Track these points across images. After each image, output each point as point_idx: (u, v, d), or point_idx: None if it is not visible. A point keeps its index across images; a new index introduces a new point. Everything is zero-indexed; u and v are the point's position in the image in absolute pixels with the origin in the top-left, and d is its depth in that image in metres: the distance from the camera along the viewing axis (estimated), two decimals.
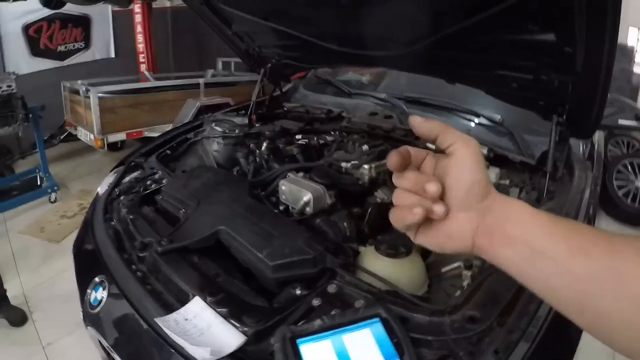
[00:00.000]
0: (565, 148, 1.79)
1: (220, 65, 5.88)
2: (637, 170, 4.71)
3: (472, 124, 2.03)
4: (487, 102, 1.95)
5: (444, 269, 1.33)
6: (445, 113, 2.12)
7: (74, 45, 5.97)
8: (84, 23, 5.95)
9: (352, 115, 2.25)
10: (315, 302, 1.11)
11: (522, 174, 1.74)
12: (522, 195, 1.59)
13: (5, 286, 2.81)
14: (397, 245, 1.26)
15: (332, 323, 0.96)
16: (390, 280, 1.17)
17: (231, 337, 1.03)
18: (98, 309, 1.39)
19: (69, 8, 5.19)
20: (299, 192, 1.54)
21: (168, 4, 6.68)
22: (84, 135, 4.43)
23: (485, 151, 1.81)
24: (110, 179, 1.98)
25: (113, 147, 4.61)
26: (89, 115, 4.18)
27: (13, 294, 2.88)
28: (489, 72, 1.69)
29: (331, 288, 1.15)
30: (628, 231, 4.41)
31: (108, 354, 1.39)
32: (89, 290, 1.46)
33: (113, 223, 1.65)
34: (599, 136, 2.73)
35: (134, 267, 1.41)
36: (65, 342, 2.52)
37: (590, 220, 1.64)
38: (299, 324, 1.04)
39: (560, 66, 1.44)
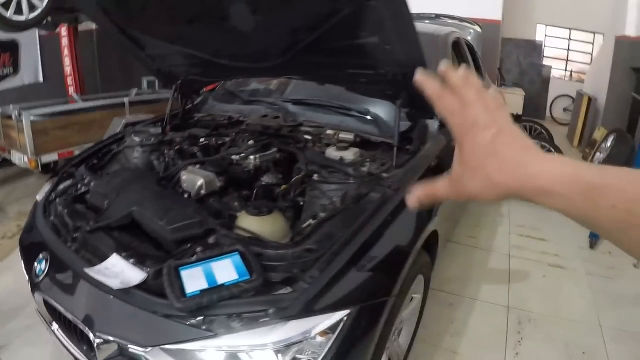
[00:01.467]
0: (417, 127, 2.27)
1: (145, 84, 6.06)
2: None
3: (344, 117, 2.47)
4: (362, 98, 2.41)
5: (302, 225, 1.76)
6: (322, 109, 2.56)
7: (2, 71, 5.96)
8: (11, 48, 5.96)
9: (247, 119, 2.65)
10: (198, 249, 1.53)
11: (382, 151, 2.18)
12: (373, 166, 2.04)
13: None
14: (261, 206, 1.69)
15: (204, 256, 1.40)
16: (255, 232, 1.61)
17: (137, 275, 1.46)
18: (42, 276, 1.77)
19: None
20: (194, 178, 1.95)
21: (94, 26, 6.71)
22: (17, 158, 4.57)
23: (351, 137, 2.25)
24: (46, 187, 2.32)
25: (47, 169, 4.78)
26: (22, 138, 4.36)
27: None
28: (343, 71, 2.16)
29: (211, 239, 1.59)
30: (528, 204, 4.97)
31: (52, 310, 1.77)
32: (35, 265, 1.83)
33: (51, 218, 2.00)
34: None
35: (68, 244, 1.78)
36: (16, 345, 2.76)
37: (431, 177, 2.11)
38: None
39: (388, 61, 1.91)
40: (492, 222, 4.54)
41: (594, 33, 10.73)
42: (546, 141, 5.49)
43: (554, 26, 11.27)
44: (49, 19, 5.00)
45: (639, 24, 6.73)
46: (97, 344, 1.50)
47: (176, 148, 2.38)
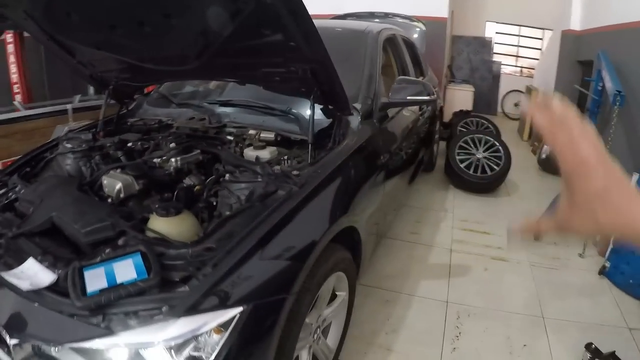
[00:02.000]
0: (337, 123, 2.34)
1: (92, 90, 5.97)
2: (477, 144, 5.39)
3: (268, 117, 2.54)
4: (288, 97, 2.47)
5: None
6: (248, 110, 2.64)
7: None
8: None
9: (176, 122, 2.71)
10: (107, 250, 1.58)
11: (301, 149, 2.25)
12: (288, 164, 2.11)
13: None
14: (169, 207, 1.75)
15: (107, 257, 1.48)
16: (163, 232, 1.68)
17: (48, 277, 1.53)
18: None
19: None
20: (113, 182, 2.00)
21: None
22: None
23: (272, 136, 2.32)
24: None
25: None
26: None
27: None
28: (257, 71, 2.23)
29: (120, 241, 1.64)
30: (476, 199, 5.06)
31: None
32: None
33: None
34: (397, 112, 3.27)
35: None
36: None
37: (346, 173, 2.22)
38: None
39: (296, 58, 1.97)
40: (435, 217, 4.59)
41: (543, 29, 11.02)
42: (493, 136, 5.61)
43: (503, 23, 11.55)
44: None
45: (583, 19, 6.97)
46: (13, 345, 1.55)
47: (102, 153, 2.41)
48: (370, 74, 2.84)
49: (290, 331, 1.74)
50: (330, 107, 2.30)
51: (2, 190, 2.34)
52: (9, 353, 1.63)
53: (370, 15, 6.20)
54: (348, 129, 2.41)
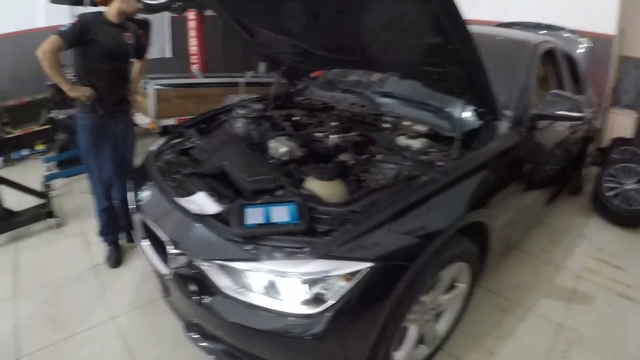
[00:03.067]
0: (486, 126, 2.46)
1: (261, 68, 6.37)
2: (629, 174, 5.05)
3: (422, 111, 2.73)
4: (442, 96, 2.62)
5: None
6: (404, 102, 2.87)
7: None
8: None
9: (338, 105, 3.00)
10: (266, 198, 1.89)
11: (449, 145, 2.37)
12: (435, 155, 2.28)
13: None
14: (324, 173, 2.06)
15: (267, 201, 1.82)
16: (316, 192, 1.98)
17: (214, 208, 1.89)
18: (144, 201, 2.27)
19: None
20: (279, 146, 2.33)
21: None
22: (141, 120, 5.19)
23: (424, 129, 2.51)
24: (161, 141, 2.82)
25: (165, 132, 5.39)
26: (147, 103, 4.99)
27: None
28: (417, 68, 2.42)
29: (279, 193, 1.96)
30: (617, 232, 4.69)
31: (146, 229, 2.25)
32: (140, 192, 2.33)
33: (159, 163, 2.47)
34: (547, 125, 3.15)
35: (168, 182, 2.24)
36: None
37: (486, 172, 2.32)
38: None
39: (452, 60, 2.14)
40: (572, 241, 4.36)
41: None
42: None
43: None
44: (178, 4, 5.61)
45: None
46: (172, 255, 1.95)
47: (271, 122, 2.76)
48: (525, 84, 2.88)
49: (405, 298, 1.93)
50: (481, 109, 2.42)
51: (180, 139, 2.81)
52: (164, 261, 2.05)
53: (537, 26, 6.04)
54: (495, 132, 2.50)
